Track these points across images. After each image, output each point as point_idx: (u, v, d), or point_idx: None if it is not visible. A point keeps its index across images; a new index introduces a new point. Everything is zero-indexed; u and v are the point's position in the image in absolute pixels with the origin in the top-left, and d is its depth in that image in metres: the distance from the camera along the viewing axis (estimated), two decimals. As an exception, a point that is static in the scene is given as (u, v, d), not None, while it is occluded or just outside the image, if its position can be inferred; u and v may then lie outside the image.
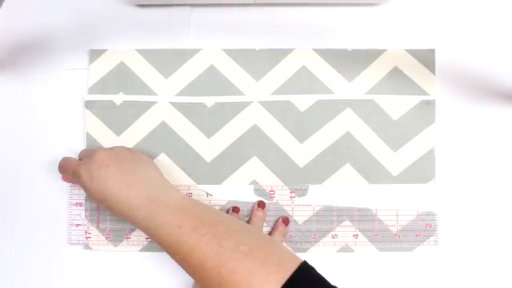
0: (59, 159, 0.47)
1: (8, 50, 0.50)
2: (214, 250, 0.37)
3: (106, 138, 0.49)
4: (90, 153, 0.44)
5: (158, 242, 0.40)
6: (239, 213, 0.49)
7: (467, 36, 0.50)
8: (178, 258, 0.40)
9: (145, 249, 0.49)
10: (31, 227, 0.49)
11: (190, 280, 0.48)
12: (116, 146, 0.46)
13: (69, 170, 0.45)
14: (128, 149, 0.46)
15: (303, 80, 0.50)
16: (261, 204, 0.48)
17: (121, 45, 0.50)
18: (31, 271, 0.49)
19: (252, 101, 0.49)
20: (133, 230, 0.49)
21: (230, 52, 0.50)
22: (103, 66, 0.50)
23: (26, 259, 0.49)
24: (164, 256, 0.44)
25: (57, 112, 0.50)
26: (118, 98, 0.50)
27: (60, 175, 0.47)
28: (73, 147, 0.50)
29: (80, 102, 0.50)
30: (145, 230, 0.41)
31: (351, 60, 0.50)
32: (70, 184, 0.49)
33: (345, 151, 0.49)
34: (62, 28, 0.50)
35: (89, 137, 0.50)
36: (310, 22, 0.50)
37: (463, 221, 0.49)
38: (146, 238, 0.49)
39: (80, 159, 0.47)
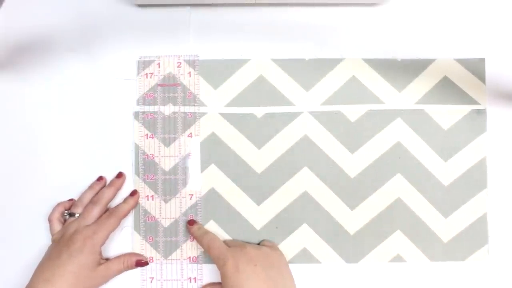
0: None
1: (9, 51, 0.50)
2: None
3: (155, 149, 0.49)
4: (238, 244, 0.46)
5: None
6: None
7: (517, 45, 0.50)
8: None
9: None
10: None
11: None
12: (265, 247, 0.46)
13: (213, 250, 0.45)
14: (279, 253, 0.47)
15: (353, 90, 0.49)
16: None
17: (167, 53, 0.50)
18: None
19: (302, 112, 0.49)
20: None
21: (279, 62, 0.50)
22: (152, 77, 0.50)
23: None
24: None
25: (105, 123, 0.50)
26: (168, 109, 0.49)
27: None
28: (122, 158, 0.50)
29: (129, 113, 0.50)
30: None
31: (400, 70, 0.50)
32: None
33: (396, 161, 0.49)
34: (62, 28, 0.50)
35: (137, 148, 0.49)
36: (311, 22, 0.50)
37: (515, 231, 0.49)
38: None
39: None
